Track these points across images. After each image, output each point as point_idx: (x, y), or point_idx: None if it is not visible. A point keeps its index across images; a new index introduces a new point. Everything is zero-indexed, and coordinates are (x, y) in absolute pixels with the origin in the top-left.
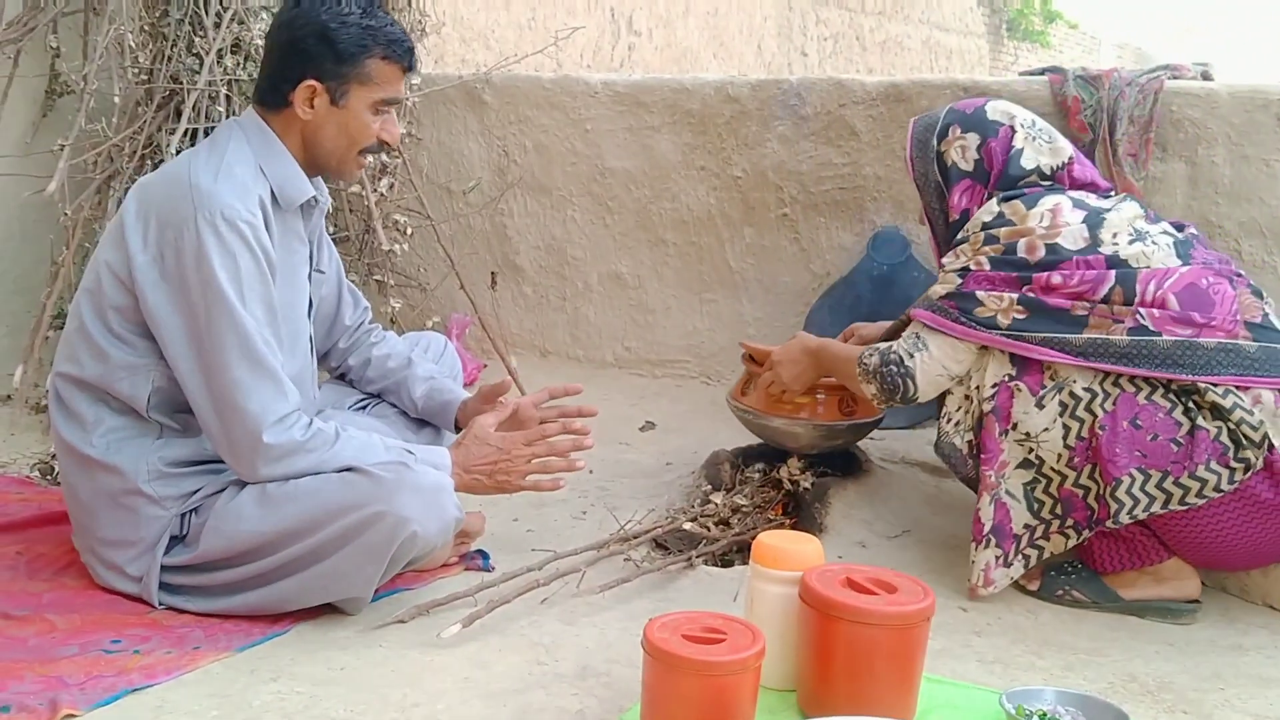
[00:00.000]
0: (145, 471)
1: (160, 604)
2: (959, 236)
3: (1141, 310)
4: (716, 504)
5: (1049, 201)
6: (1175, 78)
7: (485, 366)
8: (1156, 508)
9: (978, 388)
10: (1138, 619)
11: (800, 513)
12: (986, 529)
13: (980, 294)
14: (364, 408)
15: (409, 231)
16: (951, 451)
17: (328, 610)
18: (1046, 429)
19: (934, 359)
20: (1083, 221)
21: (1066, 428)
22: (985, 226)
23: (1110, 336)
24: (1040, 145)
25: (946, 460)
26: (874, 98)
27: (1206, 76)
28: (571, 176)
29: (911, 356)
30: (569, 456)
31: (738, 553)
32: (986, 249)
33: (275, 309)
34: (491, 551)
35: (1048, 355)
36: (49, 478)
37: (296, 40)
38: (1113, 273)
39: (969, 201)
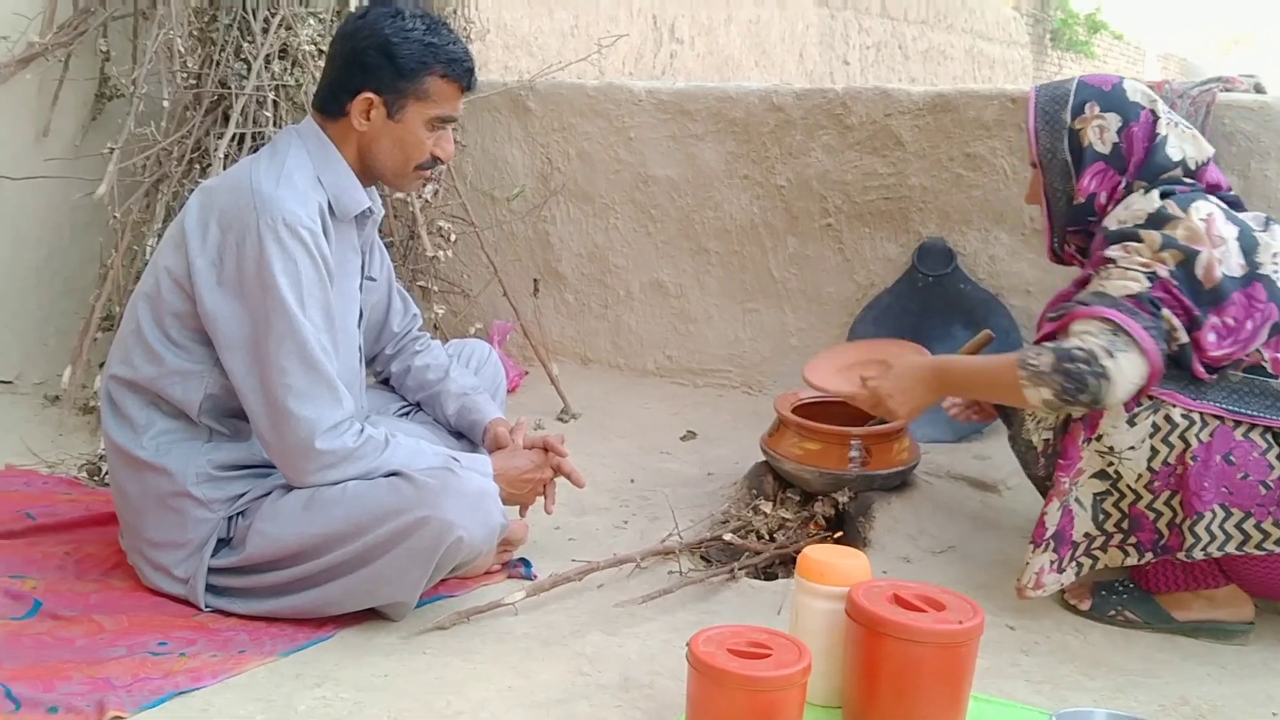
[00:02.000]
0: (194, 474)
1: (206, 606)
2: (1116, 230)
3: (1265, 352)
4: (767, 513)
5: (1202, 208)
6: (1227, 90)
7: (527, 373)
8: (1232, 548)
9: None
10: (1189, 639)
11: (844, 527)
12: (1049, 533)
13: (1165, 311)
14: (407, 414)
15: (453, 238)
16: (1026, 449)
17: (371, 616)
18: (1133, 447)
19: (1134, 365)
20: (1236, 239)
21: (1154, 450)
22: (1153, 222)
23: (1228, 373)
24: (1184, 135)
25: (1020, 456)
26: (920, 108)
27: (1259, 89)
28: (614, 184)
29: (1111, 356)
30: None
31: (780, 565)
32: (1165, 254)
33: (333, 315)
34: (534, 560)
35: (1170, 396)
36: (96, 478)
37: (358, 52)
38: (1270, 323)
39: (1099, 186)
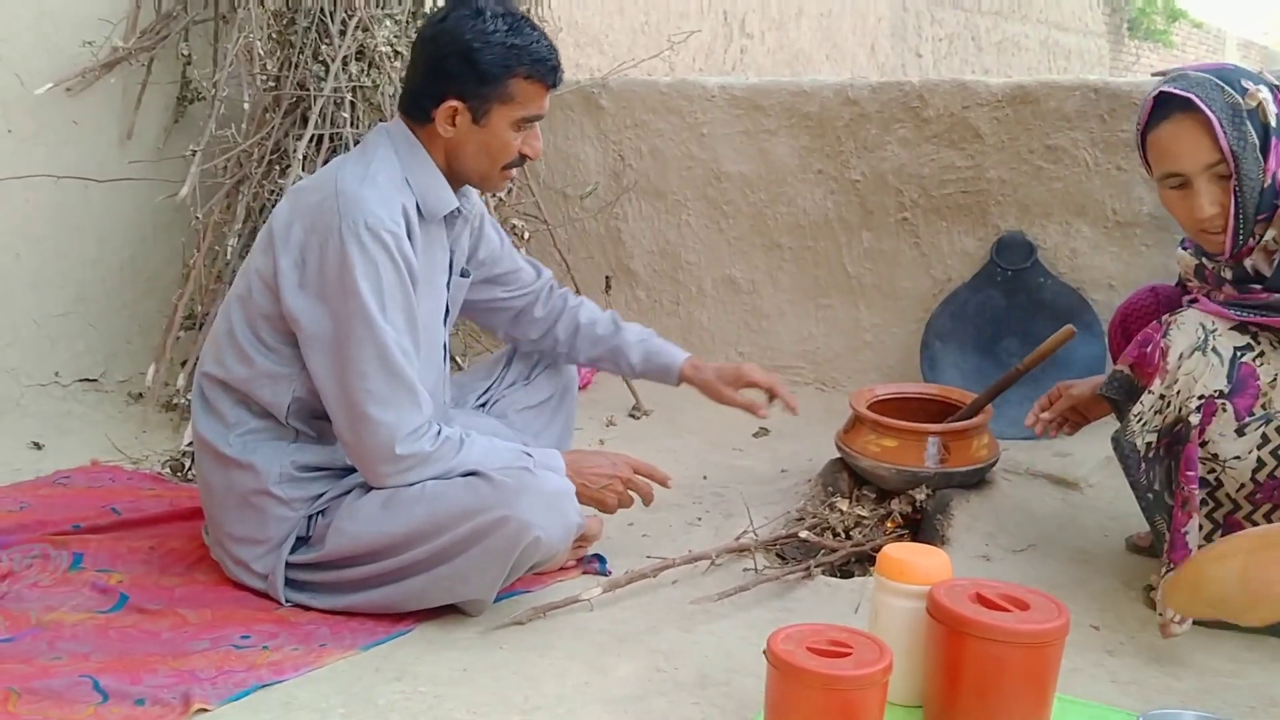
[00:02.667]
0: (277, 474)
1: (286, 600)
2: None
3: None
4: (843, 511)
5: None
6: None
7: (598, 370)
8: None
9: (1179, 392)
10: (1277, 640)
11: (921, 524)
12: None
13: None
14: (483, 405)
15: (526, 235)
16: (1130, 451)
17: (449, 610)
18: (1238, 457)
19: None
20: None
21: (1261, 462)
22: None
23: None
24: None
25: (1123, 459)
26: (999, 99)
27: None
28: (687, 180)
29: None
30: (645, 498)
31: (857, 563)
32: None
33: (415, 318)
34: (608, 556)
35: None
36: (180, 474)
37: (440, 59)
38: None
39: (1278, 165)
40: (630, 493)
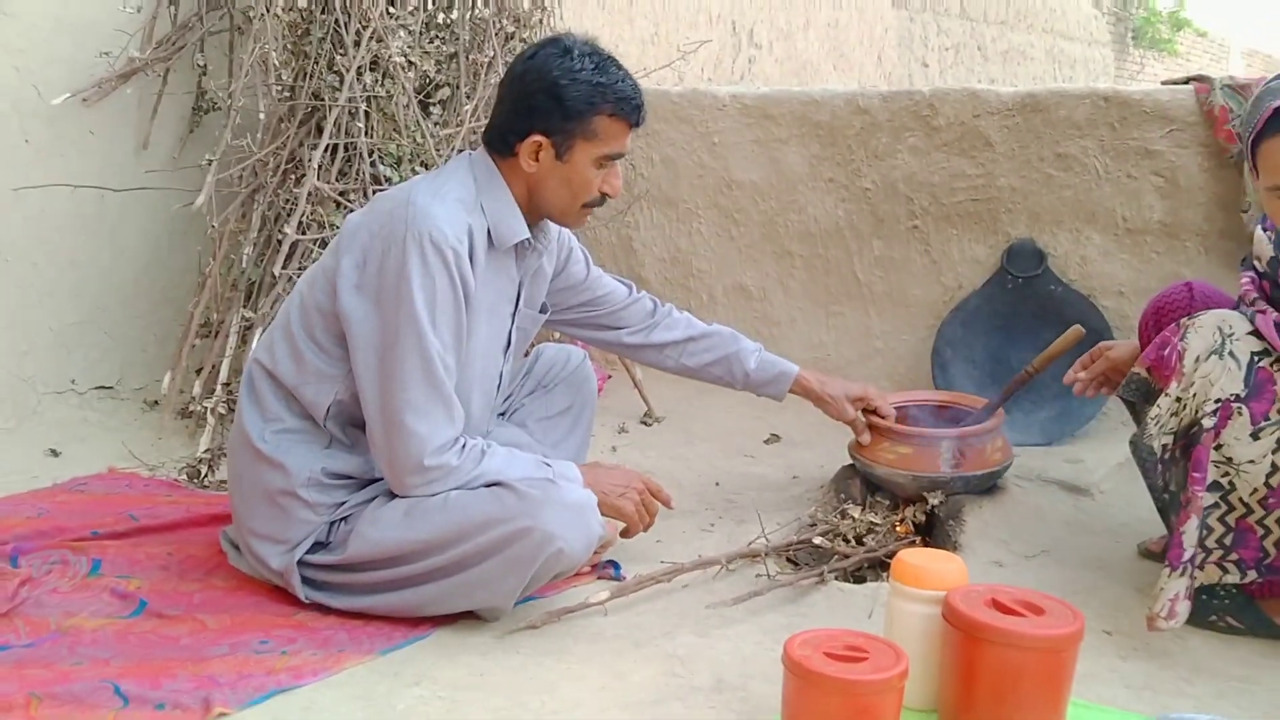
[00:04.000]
0: (305, 477)
1: (306, 598)
2: None
3: None
4: (855, 518)
5: None
6: None
7: (610, 377)
8: None
9: (1196, 395)
10: None
11: (934, 531)
12: (1187, 555)
13: None
14: (503, 414)
15: None
16: (1148, 455)
17: (466, 615)
18: (1253, 460)
19: None
20: None
21: (1275, 466)
22: None
23: None
24: None
25: (1140, 462)
26: (1009, 108)
27: None
28: (698, 189)
29: None
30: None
31: (870, 569)
32: None
33: (462, 337)
34: (622, 562)
35: None
36: (196, 481)
37: (527, 95)
38: None
39: None
40: (653, 502)
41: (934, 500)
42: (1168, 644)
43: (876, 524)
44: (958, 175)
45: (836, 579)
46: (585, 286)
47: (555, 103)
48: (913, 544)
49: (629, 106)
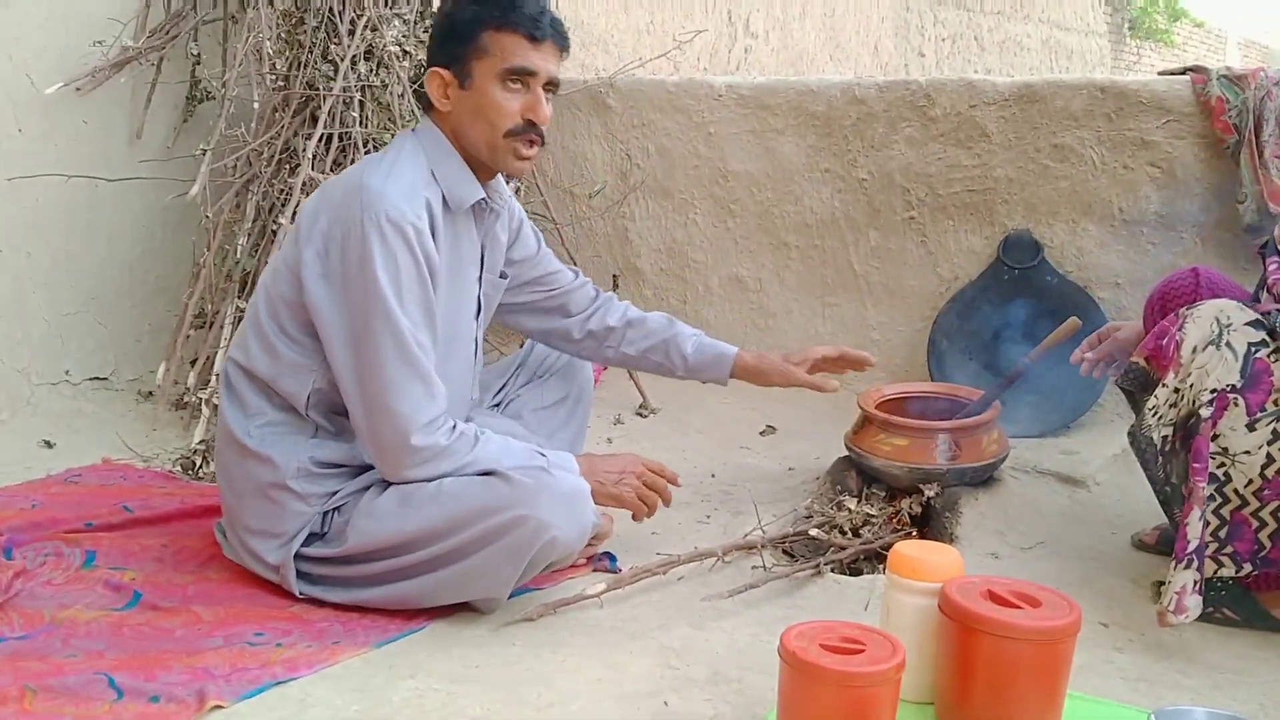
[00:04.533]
0: (294, 468)
1: (300, 593)
2: None
3: None
4: (851, 510)
5: None
6: None
7: (605, 368)
8: None
9: (1193, 385)
10: None
11: (930, 522)
12: (1191, 547)
13: None
14: (497, 405)
15: None
16: (1147, 445)
17: (461, 607)
18: (1248, 451)
19: None
20: None
21: (1271, 458)
22: None
23: None
24: None
25: (1139, 453)
26: (1006, 98)
27: None
28: (693, 179)
29: None
30: (662, 496)
31: (866, 561)
32: None
33: (432, 313)
34: (617, 554)
35: None
36: (190, 472)
37: (433, 39)
38: None
39: None
40: (653, 493)
41: (930, 492)
42: (1163, 636)
43: (873, 516)
44: (954, 166)
45: (833, 571)
46: (537, 261)
47: (445, 31)
48: (909, 536)
49: (518, 16)
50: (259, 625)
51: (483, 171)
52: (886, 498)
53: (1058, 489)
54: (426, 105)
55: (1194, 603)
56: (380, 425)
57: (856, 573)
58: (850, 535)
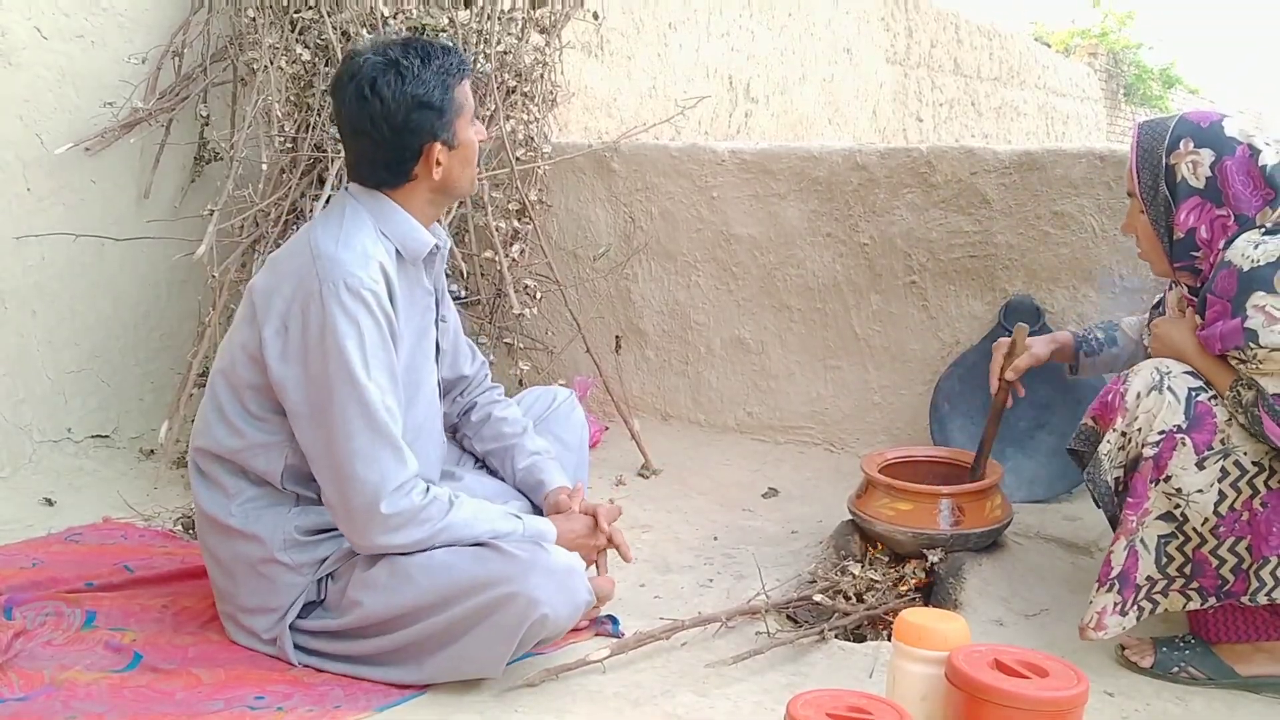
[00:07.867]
0: (281, 540)
1: (298, 663)
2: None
3: None
4: (855, 575)
5: None
6: None
7: (607, 429)
8: None
9: (1140, 429)
10: None
11: (934, 589)
12: (1114, 573)
13: None
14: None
15: (538, 295)
16: (1104, 488)
17: None
18: (1200, 490)
19: None
20: None
21: (1222, 495)
22: None
23: None
24: None
25: (1094, 492)
26: (1006, 166)
27: None
28: (696, 242)
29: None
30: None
31: (870, 627)
32: None
33: (397, 376)
34: (620, 616)
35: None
36: (191, 532)
37: (400, 125)
38: None
39: (1196, 221)
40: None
41: (934, 558)
42: (1169, 705)
43: (877, 581)
44: (955, 231)
45: (837, 637)
46: (455, 326)
47: (428, 109)
48: (913, 602)
49: (461, 64)
50: (259, 689)
51: (429, 218)
52: (890, 562)
53: (1061, 555)
54: (383, 180)
55: (1113, 622)
56: (349, 494)
57: (861, 639)
58: (854, 601)
